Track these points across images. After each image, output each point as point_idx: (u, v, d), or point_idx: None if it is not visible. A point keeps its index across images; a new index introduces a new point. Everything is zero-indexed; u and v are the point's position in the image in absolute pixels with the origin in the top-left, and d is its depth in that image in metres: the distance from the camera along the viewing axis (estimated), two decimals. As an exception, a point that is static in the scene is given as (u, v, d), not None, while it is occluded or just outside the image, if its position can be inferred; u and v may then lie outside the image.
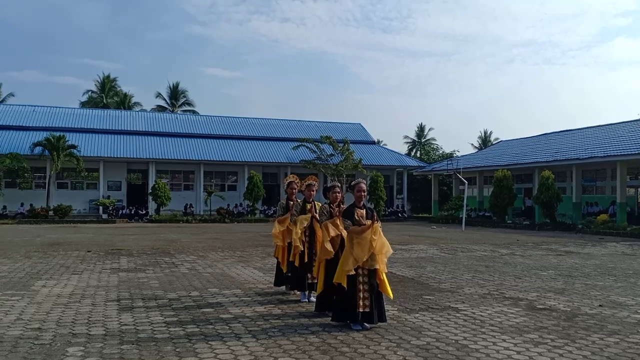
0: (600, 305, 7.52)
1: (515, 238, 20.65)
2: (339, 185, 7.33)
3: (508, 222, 30.78)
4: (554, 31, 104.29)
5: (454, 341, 5.55)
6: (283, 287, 8.28)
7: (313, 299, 7.33)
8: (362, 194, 6.48)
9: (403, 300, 7.75)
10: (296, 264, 7.62)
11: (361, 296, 6.01)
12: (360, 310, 5.99)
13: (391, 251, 6.34)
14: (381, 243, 6.11)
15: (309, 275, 7.46)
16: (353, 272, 6.02)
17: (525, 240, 19.47)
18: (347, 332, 5.87)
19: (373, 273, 6.10)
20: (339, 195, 6.97)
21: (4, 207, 32.77)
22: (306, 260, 7.53)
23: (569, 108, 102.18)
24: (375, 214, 6.40)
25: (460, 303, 7.59)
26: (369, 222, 6.20)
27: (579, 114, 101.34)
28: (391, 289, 6.35)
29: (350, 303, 6.03)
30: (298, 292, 7.90)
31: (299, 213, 7.71)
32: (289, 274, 7.88)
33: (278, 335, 5.75)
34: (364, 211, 6.38)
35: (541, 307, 7.39)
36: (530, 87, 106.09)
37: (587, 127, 36.08)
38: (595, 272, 11.00)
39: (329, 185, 7.22)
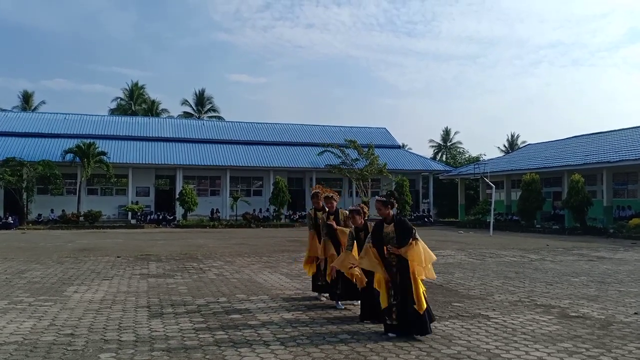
0: (635, 313, 7.32)
1: (544, 243, 20.29)
2: (361, 210, 7.00)
3: (537, 226, 30.28)
4: (582, 32, 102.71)
5: (485, 350, 5.47)
6: (316, 294, 8.35)
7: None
8: (357, 216, 6.93)
9: (432, 307, 7.63)
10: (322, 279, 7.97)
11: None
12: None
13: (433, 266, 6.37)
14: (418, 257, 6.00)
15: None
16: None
17: (555, 245, 19.11)
18: (376, 340, 5.82)
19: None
20: (359, 219, 6.91)
21: (39, 215, 33.52)
22: (322, 269, 7.81)
23: (598, 110, 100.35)
24: (406, 231, 6.01)
25: (490, 310, 7.48)
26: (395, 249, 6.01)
27: (609, 116, 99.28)
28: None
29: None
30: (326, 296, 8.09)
31: (320, 227, 7.89)
32: (321, 283, 8.11)
33: (306, 342, 5.73)
34: (390, 226, 6.13)
35: (574, 314, 7.24)
36: (558, 89, 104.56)
37: (618, 130, 35.35)
38: (628, 279, 10.73)
39: (351, 208, 7.18)
